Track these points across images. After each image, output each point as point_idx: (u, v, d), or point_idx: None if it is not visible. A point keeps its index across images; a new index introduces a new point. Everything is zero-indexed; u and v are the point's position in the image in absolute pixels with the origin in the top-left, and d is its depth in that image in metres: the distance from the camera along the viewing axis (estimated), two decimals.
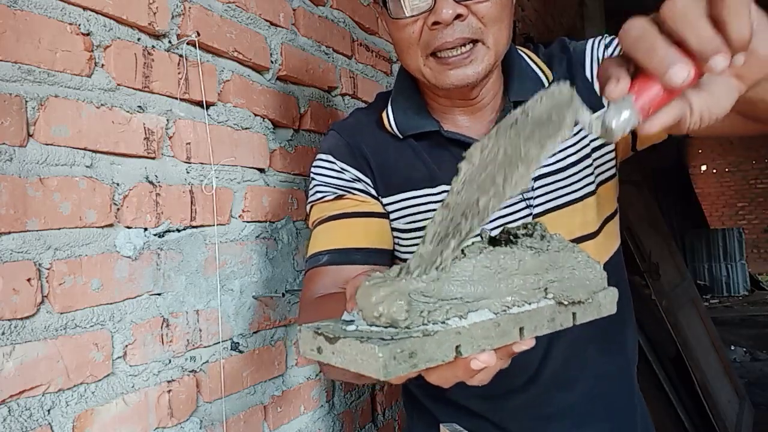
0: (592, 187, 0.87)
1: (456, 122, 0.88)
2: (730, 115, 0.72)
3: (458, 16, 0.75)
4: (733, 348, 5.07)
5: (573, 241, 0.86)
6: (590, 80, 0.87)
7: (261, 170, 1.15)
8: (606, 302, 0.54)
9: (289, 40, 1.24)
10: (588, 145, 0.87)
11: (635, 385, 0.98)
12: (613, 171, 0.90)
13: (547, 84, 0.86)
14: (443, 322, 0.44)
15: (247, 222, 1.11)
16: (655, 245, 3.21)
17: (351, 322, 0.47)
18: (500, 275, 0.47)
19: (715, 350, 3.37)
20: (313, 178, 0.92)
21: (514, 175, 0.44)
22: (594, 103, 0.85)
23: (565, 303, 0.50)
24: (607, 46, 0.86)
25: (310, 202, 0.92)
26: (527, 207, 0.85)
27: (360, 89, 1.51)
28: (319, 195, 0.90)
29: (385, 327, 0.43)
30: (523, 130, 0.47)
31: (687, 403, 2.88)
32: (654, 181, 7.45)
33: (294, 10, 1.27)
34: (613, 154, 0.89)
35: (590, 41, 0.89)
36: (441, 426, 0.83)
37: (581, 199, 0.86)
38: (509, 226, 0.56)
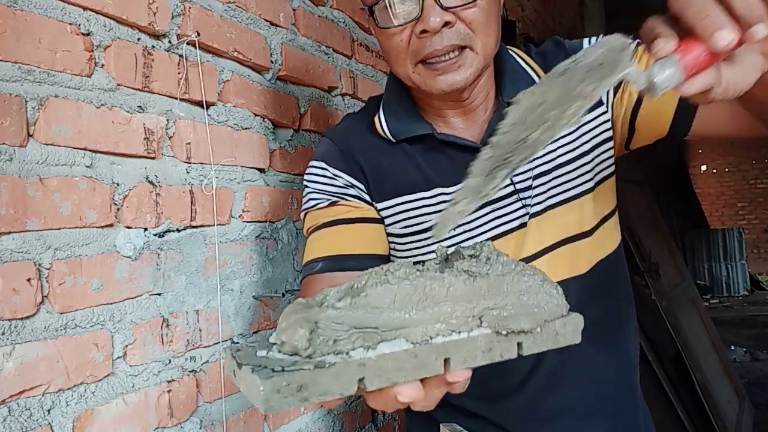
0: (590, 185, 0.86)
1: (449, 124, 0.87)
2: (740, 111, 0.72)
3: (446, 24, 0.74)
4: (733, 348, 5.07)
5: (567, 239, 0.85)
6: None
7: (261, 170, 1.15)
8: (566, 331, 0.49)
9: (289, 40, 1.24)
10: (589, 141, 0.86)
11: (637, 387, 0.98)
12: (612, 168, 0.90)
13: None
14: (347, 353, 0.41)
15: (247, 222, 1.11)
16: (655, 245, 3.21)
17: (272, 345, 0.45)
18: (425, 302, 0.45)
19: (715, 350, 3.37)
20: (306, 186, 0.91)
21: (569, 110, 0.46)
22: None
23: (504, 333, 0.46)
24: None
25: (304, 210, 0.92)
26: (523, 207, 0.84)
27: (360, 89, 1.51)
28: (313, 202, 0.90)
29: (290, 355, 0.42)
30: (575, 75, 0.48)
31: (687, 403, 2.88)
32: (654, 180, 7.45)
33: (294, 10, 1.27)
34: (612, 151, 0.89)
35: (586, 40, 0.88)
36: (441, 426, 0.83)
37: (578, 196, 0.86)
38: (463, 245, 0.54)
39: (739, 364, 4.73)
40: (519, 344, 0.47)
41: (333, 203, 0.88)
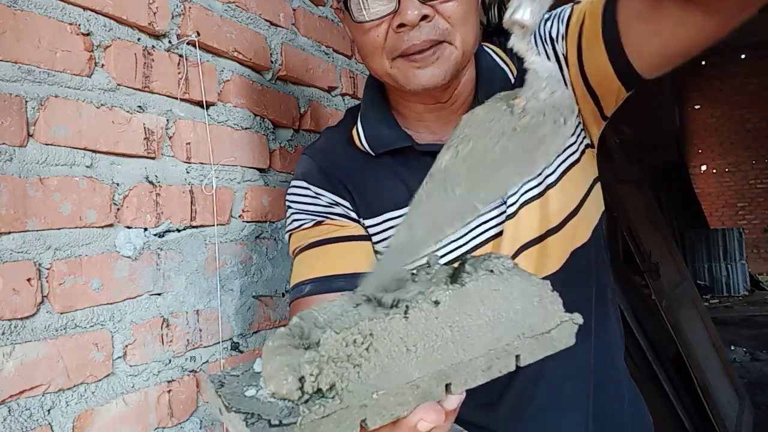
0: (553, 178, 0.82)
1: (430, 129, 0.85)
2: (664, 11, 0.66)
3: (424, 17, 0.73)
4: (733, 348, 5.06)
5: (535, 240, 0.81)
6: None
7: (261, 170, 1.15)
8: (561, 336, 0.49)
9: (289, 40, 1.24)
10: None
11: (622, 375, 0.95)
12: (576, 156, 0.85)
13: (513, 80, 0.83)
14: (343, 390, 0.39)
15: (247, 222, 1.11)
16: (655, 245, 3.21)
17: (258, 376, 0.43)
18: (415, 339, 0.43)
19: (715, 350, 3.37)
20: (289, 207, 0.88)
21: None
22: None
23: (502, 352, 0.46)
24: (546, 20, 0.84)
25: (288, 231, 0.89)
26: (503, 204, 0.82)
27: (360, 89, 1.51)
28: (297, 223, 0.86)
29: (281, 399, 0.40)
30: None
31: (687, 403, 2.88)
32: (654, 180, 7.45)
33: (294, 10, 1.27)
34: (574, 139, 0.84)
35: (546, 16, 0.86)
36: None
37: (543, 193, 0.82)
38: (470, 256, 0.52)
39: (739, 364, 4.73)
40: (517, 357, 0.47)
41: (318, 223, 0.85)
